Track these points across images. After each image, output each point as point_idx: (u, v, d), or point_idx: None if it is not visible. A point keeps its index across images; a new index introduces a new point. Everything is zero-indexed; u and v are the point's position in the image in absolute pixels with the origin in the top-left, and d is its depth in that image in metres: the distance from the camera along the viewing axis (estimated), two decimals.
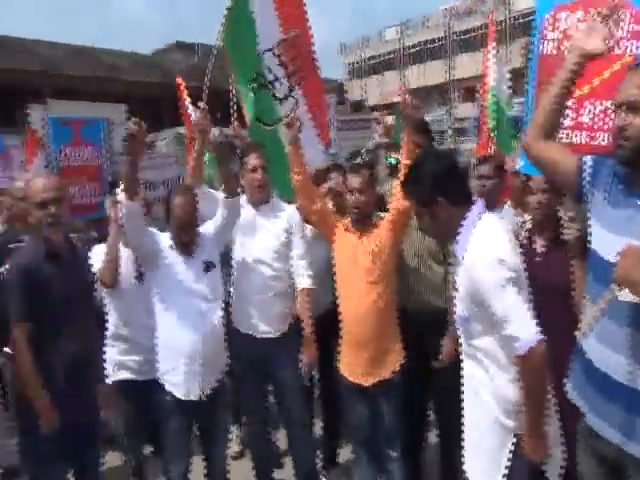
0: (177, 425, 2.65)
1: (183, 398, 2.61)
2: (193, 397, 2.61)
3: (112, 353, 2.94)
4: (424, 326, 2.80)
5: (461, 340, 1.91)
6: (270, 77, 3.50)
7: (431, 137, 3.21)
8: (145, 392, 2.74)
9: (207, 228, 2.82)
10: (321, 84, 3.76)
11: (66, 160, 4.53)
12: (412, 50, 35.94)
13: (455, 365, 2.02)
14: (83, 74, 25.65)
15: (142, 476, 3.10)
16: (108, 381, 2.87)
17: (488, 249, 1.74)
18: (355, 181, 2.73)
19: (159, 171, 4.96)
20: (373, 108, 22.05)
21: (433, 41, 34.96)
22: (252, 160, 3.01)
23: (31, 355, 2.32)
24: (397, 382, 2.66)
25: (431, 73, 34.51)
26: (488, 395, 1.81)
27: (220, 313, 2.73)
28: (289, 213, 3.08)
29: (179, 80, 5.12)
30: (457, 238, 1.84)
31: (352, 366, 2.73)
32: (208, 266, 2.70)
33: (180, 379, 2.60)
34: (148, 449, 3.47)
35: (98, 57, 26.36)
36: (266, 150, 3.13)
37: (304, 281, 3.00)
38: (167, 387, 2.63)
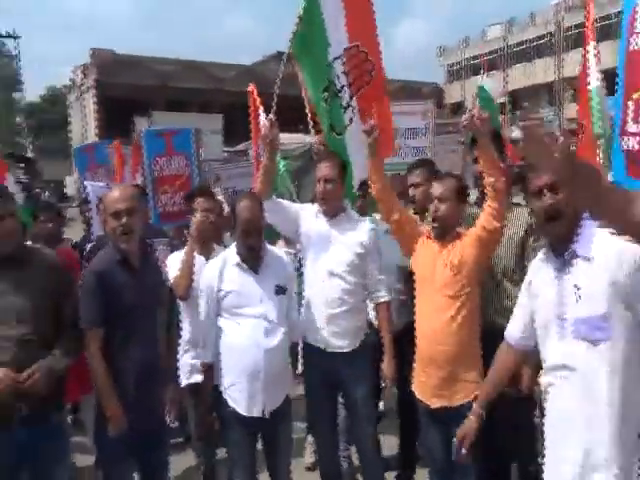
0: (240, 437, 2.61)
1: (245, 414, 2.57)
2: (255, 414, 2.56)
3: (186, 358, 3.02)
4: (490, 349, 2.43)
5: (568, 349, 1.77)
6: (338, 85, 3.48)
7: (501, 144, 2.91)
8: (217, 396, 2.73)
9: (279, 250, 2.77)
10: (384, 94, 3.63)
11: (159, 170, 4.77)
12: (517, 49, 34.23)
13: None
14: (192, 86, 27.55)
15: (214, 479, 3.16)
16: (182, 384, 2.94)
17: (633, 248, 1.66)
18: (436, 189, 2.58)
19: (249, 179, 5.16)
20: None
21: (540, 38, 33.04)
22: (318, 171, 2.93)
23: (102, 361, 2.35)
24: (466, 414, 2.35)
25: (537, 72, 32.62)
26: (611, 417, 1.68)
27: (284, 332, 2.64)
28: (365, 225, 2.96)
29: (251, 88, 5.19)
30: (577, 237, 1.79)
31: (424, 386, 2.57)
32: (279, 290, 2.63)
33: (241, 396, 2.56)
34: (222, 452, 3.54)
35: (206, 70, 28.12)
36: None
37: (383, 295, 2.90)
38: (229, 402, 2.59)
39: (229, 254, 2.67)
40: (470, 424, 2.21)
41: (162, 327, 2.60)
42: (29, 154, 17.69)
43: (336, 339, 2.85)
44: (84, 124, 24.40)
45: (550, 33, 32.46)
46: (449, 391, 2.48)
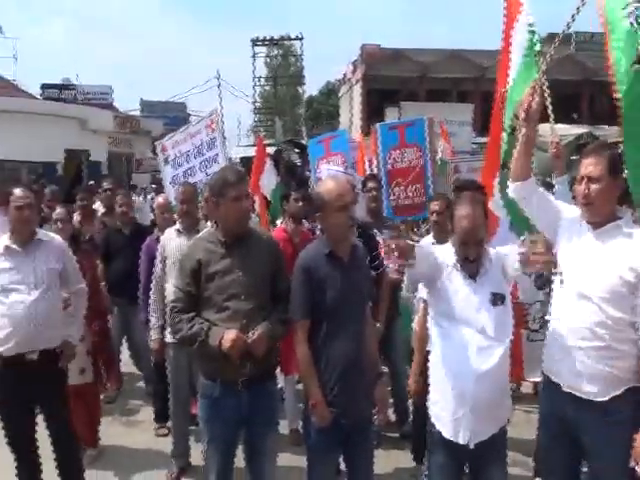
0: (443, 461, 2.35)
1: (451, 439, 2.29)
2: (461, 441, 2.27)
3: None
4: None
5: None
6: None
7: None
8: None
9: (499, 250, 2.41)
10: None
11: (393, 163, 4.90)
12: None
13: None
14: (451, 76, 27.40)
15: None
16: None
17: None
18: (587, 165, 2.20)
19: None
20: None
21: None
22: (581, 168, 2.32)
23: (308, 350, 2.41)
24: None
25: None
26: None
27: (504, 353, 2.25)
28: None
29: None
30: None
31: None
32: (496, 298, 2.27)
33: (445, 417, 2.30)
34: None
35: (468, 58, 27.53)
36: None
37: None
38: (433, 419, 2.37)
39: (448, 253, 2.37)
40: None
41: (368, 322, 2.55)
42: (304, 141, 20.25)
43: (580, 380, 2.26)
44: (350, 114, 26.64)
45: None
46: None
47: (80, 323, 3.37)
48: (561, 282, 2.37)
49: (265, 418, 2.57)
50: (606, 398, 2.22)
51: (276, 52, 38.41)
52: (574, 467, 2.41)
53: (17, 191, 3.02)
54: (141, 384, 5.18)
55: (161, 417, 4.32)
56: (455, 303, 2.28)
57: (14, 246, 3.00)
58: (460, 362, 2.23)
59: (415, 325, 3.13)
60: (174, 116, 27.51)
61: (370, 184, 4.20)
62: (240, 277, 2.46)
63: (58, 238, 3.25)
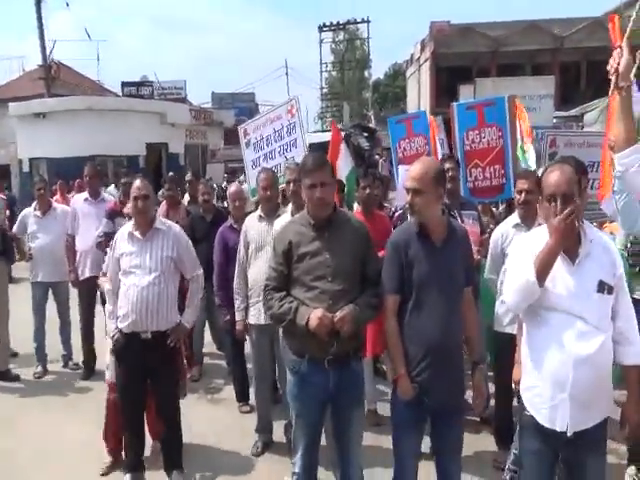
0: (535, 448, 2.26)
1: (546, 425, 2.19)
2: (558, 428, 2.16)
3: None
4: None
5: None
6: None
7: None
8: None
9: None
10: None
11: (471, 144, 4.70)
12: None
13: None
14: (524, 49, 26.01)
15: None
16: None
17: None
18: None
19: (588, 150, 4.54)
20: None
21: None
22: None
23: (396, 324, 2.47)
24: None
25: None
26: None
27: (605, 341, 2.13)
28: None
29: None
30: None
31: None
32: (602, 287, 2.13)
33: (541, 403, 2.20)
34: None
35: (542, 29, 26.04)
36: None
37: None
38: (527, 405, 2.28)
39: (542, 233, 2.20)
40: None
41: (458, 304, 2.51)
42: (372, 124, 20.04)
43: None
44: (419, 94, 26.07)
45: None
46: None
47: (195, 308, 3.56)
48: None
49: (351, 396, 2.63)
50: None
51: (342, 37, 38.17)
52: None
53: (135, 183, 3.32)
54: (224, 363, 5.43)
55: (242, 396, 4.52)
56: (552, 289, 2.16)
57: (136, 233, 3.29)
58: (558, 347, 2.13)
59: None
60: (244, 107, 28.15)
61: (447, 164, 4.12)
62: (328, 259, 2.53)
63: (176, 227, 3.47)
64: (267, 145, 5.02)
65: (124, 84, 23.45)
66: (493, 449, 3.66)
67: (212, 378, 5.27)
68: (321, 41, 33.21)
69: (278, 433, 3.94)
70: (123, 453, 3.56)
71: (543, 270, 2.11)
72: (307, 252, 2.56)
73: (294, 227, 2.68)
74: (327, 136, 7.30)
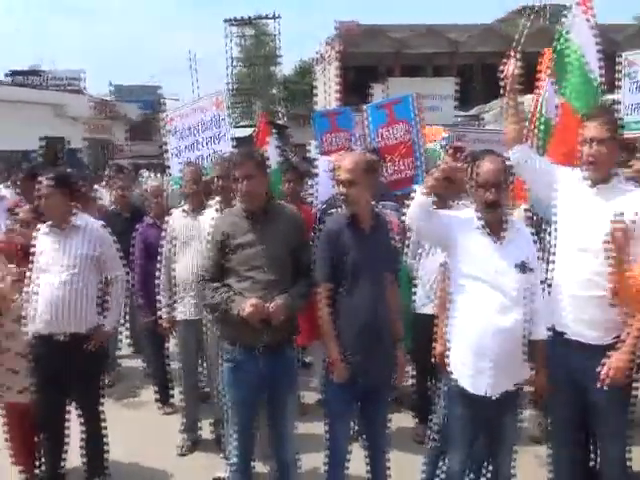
0: (460, 413, 2.47)
1: (471, 391, 2.42)
2: (482, 392, 2.39)
3: None
4: None
5: None
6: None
7: None
8: None
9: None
10: None
11: (382, 140, 4.97)
12: None
13: None
14: (426, 52, 27.45)
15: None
16: None
17: None
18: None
19: (484, 145, 4.79)
20: None
21: None
22: (586, 131, 2.51)
23: (329, 311, 2.55)
24: None
25: None
26: None
27: (523, 316, 2.37)
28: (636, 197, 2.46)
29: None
30: None
31: None
32: (524, 267, 2.38)
33: (466, 370, 2.42)
34: None
35: (442, 34, 27.61)
36: None
37: None
38: (453, 374, 2.48)
39: (471, 215, 2.47)
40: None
41: (393, 288, 2.68)
42: (282, 121, 20.09)
43: (584, 328, 2.48)
44: (327, 93, 26.48)
45: None
46: None
47: (116, 310, 3.37)
48: (555, 237, 2.58)
49: (284, 383, 2.69)
50: (606, 342, 2.44)
51: (250, 32, 37.74)
52: (581, 420, 2.59)
53: (39, 180, 3.13)
54: (140, 366, 5.24)
55: (164, 397, 4.41)
56: (479, 265, 2.40)
57: (53, 229, 3.12)
58: (481, 319, 2.37)
59: (438, 291, 3.25)
60: (148, 100, 26.92)
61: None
62: (262, 250, 2.58)
63: (98, 225, 3.29)
64: (192, 135, 4.93)
65: (12, 73, 21.57)
66: (411, 425, 3.89)
67: (129, 381, 5.09)
68: (227, 36, 32.59)
69: (205, 431, 3.91)
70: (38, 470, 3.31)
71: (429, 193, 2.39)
72: (241, 243, 2.59)
73: (229, 218, 2.70)
74: (245, 131, 7.21)
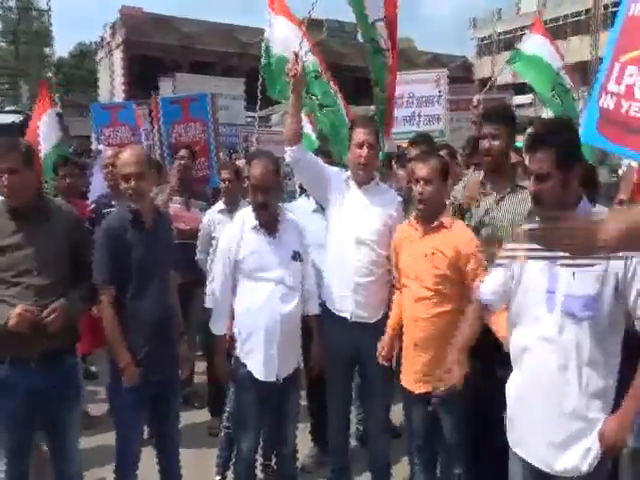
0: (252, 401, 2.65)
1: (262, 379, 2.62)
2: (271, 379, 2.62)
3: None
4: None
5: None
6: (383, 46, 3.66)
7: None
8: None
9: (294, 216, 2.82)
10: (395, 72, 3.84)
11: (177, 136, 4.88)
12: (551, 25, 33.14)
13: None
14: (216, 49, 27.50)
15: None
16: None
17: None
18: (420, 169, 2.53)
19: (278, 147, 4.93)
20: (503, 87, 20.81)
21: (576, 15, 31.90)
22: (358, 135, 2.78)
23: (114, 315, 2.45)
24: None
25: (572, 50, 31.63)
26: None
27: (298, 300, 2.68)
28: (395, 197, 2.97)
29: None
30: None
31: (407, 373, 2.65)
32: (296, 256, 2.68)
33: (257, 358, 2.60)
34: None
35: (232, 33, 27.94)
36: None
37: None
38: (248, 367, 2.64)
39: (247, 217, 2.68)
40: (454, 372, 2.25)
41: (173, 284, 2.72)
42: (58, 109, 18.00)
43: (361, 309, 2.81)
44: (112, 82, 24.65)
45: (587, 10, 31.35)
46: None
47: None
48: (339, 229, 2.84)
49: (64, 393, 2.46)
50: (375, 320, 2.81)
51: (13, 4, 32.88)
52: (350, 385, 3.04)
53: None
54: None
55: None
56: (258, 260, 2.62)
57: None
58: (267, 309, 2.59)
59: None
60: None
61: (182, 153, 4.21)
62: (33, 252, 2.32)
63: None
64: None
65: None
66: (205, 420, 3.96)
67: None
68: None
69: None
70: None
71: None
72: (7, 245, 2.29)
73: None
74: (9, 118, 6.29)
